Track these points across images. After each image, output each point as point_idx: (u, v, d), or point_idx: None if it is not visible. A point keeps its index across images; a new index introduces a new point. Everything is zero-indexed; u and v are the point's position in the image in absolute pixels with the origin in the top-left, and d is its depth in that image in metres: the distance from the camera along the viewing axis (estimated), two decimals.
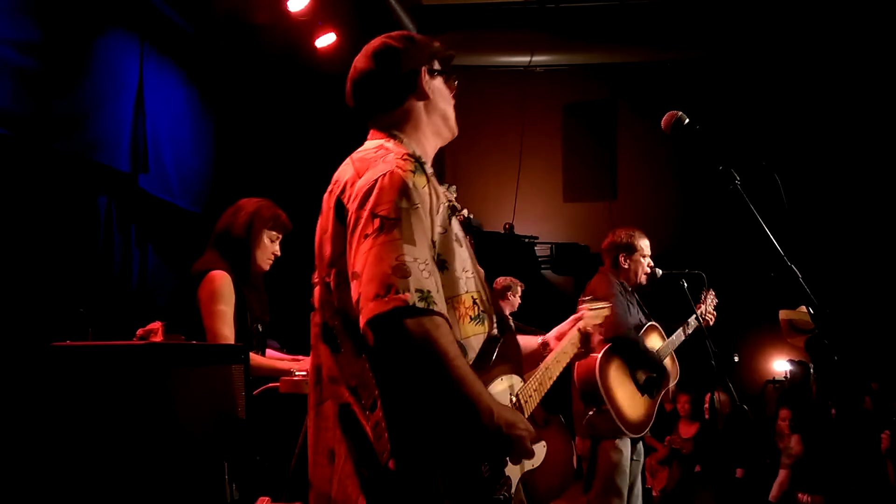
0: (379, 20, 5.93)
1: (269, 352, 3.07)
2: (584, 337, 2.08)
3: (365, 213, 1.46)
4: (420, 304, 1.38)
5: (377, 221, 1.44)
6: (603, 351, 3.36)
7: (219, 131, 5.25)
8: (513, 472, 1.62)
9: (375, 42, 1.72)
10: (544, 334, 2.12)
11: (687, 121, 1.80)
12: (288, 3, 4.58)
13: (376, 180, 1.48)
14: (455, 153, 7.65)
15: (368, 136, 1.71)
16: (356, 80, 1.72)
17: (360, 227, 1.46)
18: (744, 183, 1.61)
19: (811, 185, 6.84)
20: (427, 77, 1.71)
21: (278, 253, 2.97)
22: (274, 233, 2.93)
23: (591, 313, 2.18)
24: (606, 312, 2.29)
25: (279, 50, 5.12)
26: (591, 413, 3.40)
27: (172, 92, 4.76)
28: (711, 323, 3.75)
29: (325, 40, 5.04)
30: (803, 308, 1.56)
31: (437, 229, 1.53)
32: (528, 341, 2.04)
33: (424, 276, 1.41)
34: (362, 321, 1.40)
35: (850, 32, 6.40)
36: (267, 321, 2.99)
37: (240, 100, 5.39)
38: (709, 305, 3.79)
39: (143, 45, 4.40)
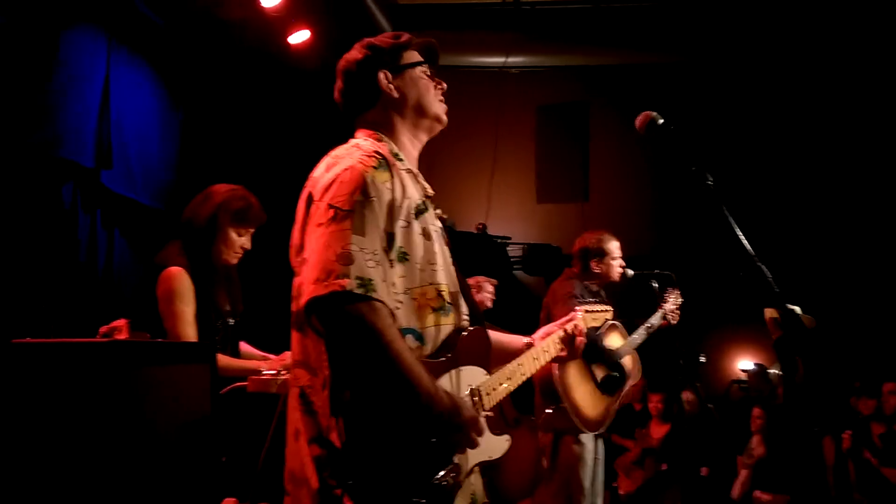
0: (353, 17, 5.89)
1: (243, 346, 2.90)
2: (570, 339, 2.03)
3: (323, 204, 1.57)
4: (358, 291, 1.45)
5: (331, 212, 1.54)
6: None
7: (187, 127, 5.15)
8: (464, 460, 1.61)
9: (343, 58, 1.86)
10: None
11: (661, 121, 1.81)
12: None
13: (338, 174, 1.58)
14: (429, 153, 7.61)
15: (355, 135, 1.81)
16: (337, 97, 1.87)
17: (316, 217, 1.56)
18: (716, 184, 1.63)
19: (788, 186, 6.96)
20: (389, 77, 1.80)
21: (248, 246, 2.73)
22: (242, 227, 2.70)
23: (588, 315, 2.14)
24: (608, 316, 2.25)
25: (252, 46, 5.05)
26: (549, 410, 3.43)
27: (140, 88, 4.66)
28: (674, 322, 3.79)
29: (299, 37, 4.98)
30: (792, 306, 1.57)
31: (399, 223, 1.60)
32: (513, 340, 2.03)
33: (369, 265, 1.49)
34: (301, 302, 1.50)
35: (829, 37, 6.50)
36: (241, 310, 2.79)
37: (210, 96, 5.30)
38: (672, 304, 3.83)
39: (111, 41, 4.30)
